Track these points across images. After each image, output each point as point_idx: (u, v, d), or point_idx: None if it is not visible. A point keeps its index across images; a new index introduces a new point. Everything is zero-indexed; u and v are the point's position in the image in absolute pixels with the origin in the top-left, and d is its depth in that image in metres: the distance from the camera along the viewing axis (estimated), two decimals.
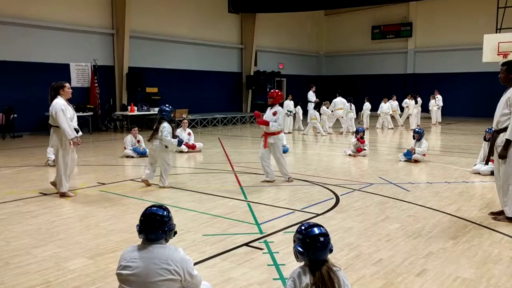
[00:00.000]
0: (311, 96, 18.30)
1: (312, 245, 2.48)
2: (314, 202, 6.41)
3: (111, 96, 18.01)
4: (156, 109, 17.72)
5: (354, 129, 13.45)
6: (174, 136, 7.28)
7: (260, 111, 8.46)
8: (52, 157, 9.36)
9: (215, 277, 3.83)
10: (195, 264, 3.31)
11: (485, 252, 4.43)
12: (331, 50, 29.44)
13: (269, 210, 6.02)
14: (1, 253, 4.40)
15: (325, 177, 8.26)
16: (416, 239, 4.82)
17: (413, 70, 26.18)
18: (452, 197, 6.74)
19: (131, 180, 8.08)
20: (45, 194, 6.89)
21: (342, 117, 16.75)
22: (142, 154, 10.68)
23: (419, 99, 19.51)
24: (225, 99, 23.13)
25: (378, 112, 18.63)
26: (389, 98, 19.07)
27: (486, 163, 8.30)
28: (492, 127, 5.66)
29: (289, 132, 16.20)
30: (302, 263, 2.57)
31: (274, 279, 3.81)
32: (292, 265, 3.90)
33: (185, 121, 12.34)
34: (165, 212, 2.87)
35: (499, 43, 14.47)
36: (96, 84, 16.72)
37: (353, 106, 17.01)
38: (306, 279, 2.47)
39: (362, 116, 18.76)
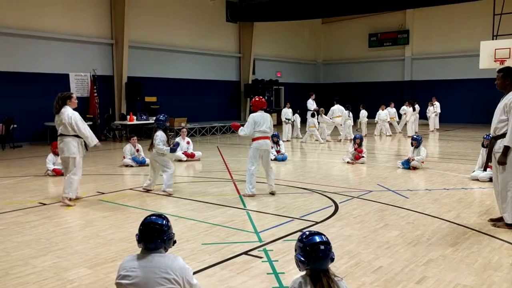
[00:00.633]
0: (311, 104, 18.33)
1: (313, 253, 2.47)
2: (313, 210, 6.41)
3: (110, 106, 18.05)
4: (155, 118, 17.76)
5: (352, 137, 13.48)
6: (169, 144, 7.52)
7: None
8: (52, 167, 9.40)
9: (215, 286, 3.83)
10: (194, 273, 3.32)
11: (485, 259, 4.43)
12: (328, 58, 29.59)
13: (268, 218, 6.02)
14: (1, 264, 4.40)
15: (324, 184, 8.27)
16: (416, 246, 4.82)
17: (411, 77, 26.30)
18: (451, 203, 6.75)
19: (131, 189, 8.08)
20: (44, 204, 6.89)
21: (341, 125, 16.78)
22: (141, 163, 10.69)
23: (416, 106, 19.57)
24: (223, 107, 23.19)
25: (376, 119, 18.68)
26: (387, 105, 19.14)
27: (484, 170, 8.30)
28: (490, 134, 5.68)
29: (287, 140, 16.22)
30: (304, 273, 2.57)
31: (273, 287, 3.81)
32: (291, 273, 3.90)
33: (184, 130, 12.37)
34: (164, 221, 2.87)
35: (495, 49, 14.57)
36: (96, 94, 16.76)
37: (351, 113, 17.05)
38: None
39: (360, 124, 18.82)
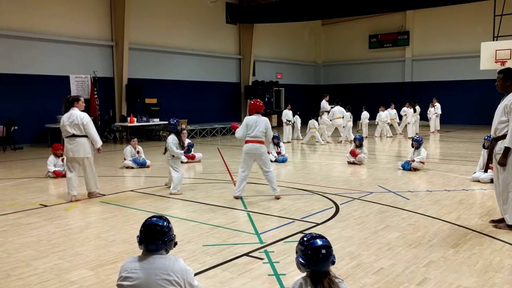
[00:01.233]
0: (325, 104, 18.29)
1: (314, 257, 2.47)
2: (314, 211, 6.41)
3: (111, 108, 18.06)
4: (156, 120, 17.85)
5: (353, 138, 13.47)
6: (182, 147, 7.90)
7: None
8: (52, 168, 9.41)
9: None
10: (195, 274, 3.32)
11: (486, 260, 4.43)
12: (328, 59, 29.61)
13: (269, 220, 6.02)
14: (2, 265, 4.40)
15: (324, 186, 8.27)
16: (417, 247, 4.81)
17: (411, 79, 26.30)
18: (452, 205, 6.74)
19: (131, 191, 8.09)
20: (45, 206, 6.89)
21: (343, 127, 16.77)
22: (142, 165, 10.69)
23: (417, 108, 19.56)
24: (223, 109, 23.20)
25: (376, 120, 18.68)
26: (387, 107, 19.14)
27: (485, 171, 8.32)
28: (491, 135, 5.69)
29: (288, 142, 16.23)
30: (304, 274, 2.57)
31: None
32: (292, 275, 3.90)
33: (185, 131, 12.36)
34: (165, 223, 2.87)
35: (496, 50, 14.57)
36: (96, 96, 16.77)
37: (351, 115, 17.04)
38: None
39: (361, 125, 18.82)
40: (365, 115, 18.65)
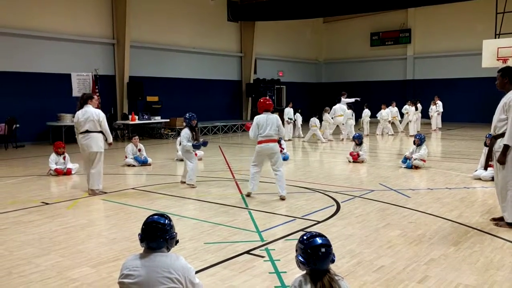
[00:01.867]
0: (345, 101, 18.27)
1: (313, 255, 2.48)
2: (315, 209, 6.41)
3: (112, 105, 18.08)
4: (157, 117, 17.87)
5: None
6: (197, 140, 8.22)
7: None
8: (54, 166, 9.43)
9: (217, 286, 3.84)
10: (196, 272, 3.33)
11: (487, 258, 4.43)
12: (330, 57, 29.56)
13: (270, 218, 6.03)
14: (4, 263, 4.42)
15: (325, 184, 8.28)
16: (418, 245, 4.82)
17: (413, 76, 26.26)
18: (453, 203, 6.74)
19: (133, 188, 8.10)
20: (47, 204, 6.91)
21: (343, 124, 16.78)
22: (143, 163, 10.71)
23: (419, 105, 19.54)
24: (225, 107, 23.20)
25: (378, 118, 18.67)
26: (389, 105, 19.12)
27: (485, 169, 8.31)
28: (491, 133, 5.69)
29: (289, 140, 16.23)
30: (304, 272, 2.58)
31: (275, 287, 3.82)
32: (293, 272, 3.91)
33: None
34: (166, 221, 2.88)
35: (498, 48, 14.52)
36: (97, 94, 16.77)
37: (353, 112, 17.05)
38: None
39: (362, 123, 18.81)
40: (366, 112, 18.64)
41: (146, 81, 18.67)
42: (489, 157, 5.61)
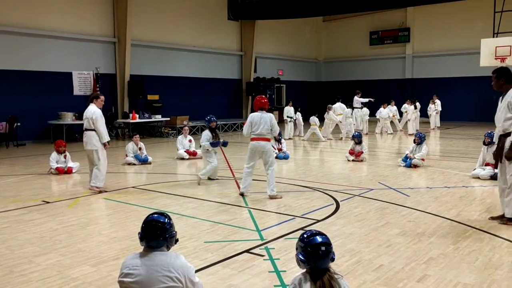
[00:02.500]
0: (358, 100, 18.26)
1: (314, 254, 2.50)
2: (315, 208, 6.43)
3: (113, 104, 18.07)
4: (158, 116, 17.89)
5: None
6: (216, 139, 8.64)
7: None
8: (55, 165, 9.45)
9: (217, 284, 3.86)
10: (196, 271, 3.34)
11: (486, 257, 4.45)
12: (329, 56, 29.56)
13: (269, 217, 6.05)
14: (4, 261, 4.44)
15: (325, 183, 8.29)
16: (417, 244, 4.84)
17: (412, 75, 26.27)
18: (452, 201, 6.77)
19: (133, 187, 8.12)
20: (48, 202, 6.93)
21: (341, 122, 16.79)
22: (144, 161, 10.73)
23: (417, 104, 19.55)
24: (225, 105, 23.21)
25: (377, 117, 18.69)
26: (388, 103, 19.13)
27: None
28: (491, 132, 5.69)
29: (289, 138, 16.24)
30: (304, 270, 2.60)
31: (275, 285, 3.83)
32: (293, 271, 3.93)
33: (186, 128, 12.42)
34: (166, 219, 2.89)
35: (496, 47, 14.52)
36: (98, 92, 16.78)
37: (352, 111, 17.07)
38: (307, 287, 2.50)
39: (361, 122, 18.79)
40: (365, 111, 18.66)
41: (147, 79, 18.67)
42: (498, 156, 5.55)
